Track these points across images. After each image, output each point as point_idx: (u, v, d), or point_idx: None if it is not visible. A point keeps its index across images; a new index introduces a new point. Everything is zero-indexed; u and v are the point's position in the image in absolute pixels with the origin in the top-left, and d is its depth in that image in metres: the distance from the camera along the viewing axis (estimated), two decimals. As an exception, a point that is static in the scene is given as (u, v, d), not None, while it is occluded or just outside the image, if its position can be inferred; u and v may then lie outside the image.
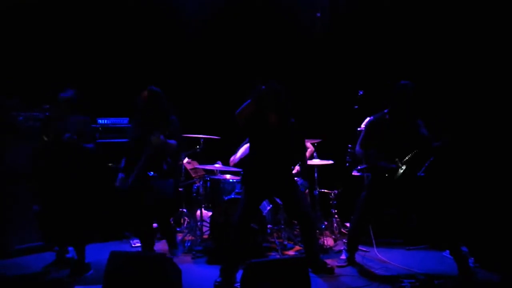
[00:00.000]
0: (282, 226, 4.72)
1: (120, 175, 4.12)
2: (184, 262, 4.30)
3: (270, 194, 4.38)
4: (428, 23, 5.26)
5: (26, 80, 4.88)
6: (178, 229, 5.31)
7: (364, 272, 4.00)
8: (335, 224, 5.10)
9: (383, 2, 5.61)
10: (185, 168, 5.41)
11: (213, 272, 3.85)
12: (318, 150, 5.19)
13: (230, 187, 5.04)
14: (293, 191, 3.93)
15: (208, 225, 4.74)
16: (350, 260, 4.18)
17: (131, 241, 4.84)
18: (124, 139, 5.11)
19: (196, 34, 6.15)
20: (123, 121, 5.22)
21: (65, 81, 5.11)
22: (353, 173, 4.85)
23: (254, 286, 2.95)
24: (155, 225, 5.17)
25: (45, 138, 3.88)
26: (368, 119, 4.30)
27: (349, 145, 4.75)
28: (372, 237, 4.48)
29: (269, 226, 4.58)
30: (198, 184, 5.06)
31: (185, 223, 5.40)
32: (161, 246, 4.86)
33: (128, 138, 4.46)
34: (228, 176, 5.16)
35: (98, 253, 4.37)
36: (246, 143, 5.01)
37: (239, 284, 3.15)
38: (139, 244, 4.80)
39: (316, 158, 5.07)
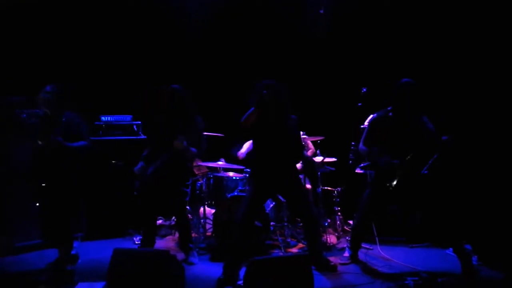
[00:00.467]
0: (285, 224, 4.72)
1: (141, 163, 4.16)
2: (187, 259, 4.31)
3: (274, 192, 4.38)
4: (433, 19, 5.24)
5: (29, 78, 4.88)
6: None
7: (367, 269, 4.00)
8: (338, 222, 5.10)
9: (386, -1, 5.60)
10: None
11: (216, 269, 3.86)
12: (322, 148, 5.18)
13: (233, 185, 5.04)
14: (297, 188, 3.93)
15: (211, 222, 4.75)
16: (353, 258, 4.18)
17: (134, 238, 4.85)
18: (127, 136, 5.13)
19: (198, 31, 6.13)
20: (126, 118, 5.22)
21: (68, 78, 5.15)
22: (356, 171, 4.84)
23: (257, 283, 2.96)
24: (159, 222, 5.21)
25: (39, 142, 3.89)
26: (371, 116, 4.29)
27: (353, 143, 4.74)
28: (375, 234, 4.47)
29: (272, 223, 4.59)
30: (201, 181, 5.07)
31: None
32: (164, 243, 4.88)
33: (149, 134, 4.50)
34: (231, 174, 5.16)
35: (101, 250, 4.39)
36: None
37: (242, 281, 3.15)
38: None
39: (320, 156, 5.06)
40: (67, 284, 3.64)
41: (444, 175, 4.46)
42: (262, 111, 3.70)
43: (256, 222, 4.16)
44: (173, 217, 5.16)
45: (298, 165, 4.77)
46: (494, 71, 4.66)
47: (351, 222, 5.11)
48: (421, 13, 5.32)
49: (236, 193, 4.73)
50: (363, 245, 4.32)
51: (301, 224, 4.63)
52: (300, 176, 4.17)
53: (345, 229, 5.16)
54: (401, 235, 4.73)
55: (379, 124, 3.91)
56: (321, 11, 5.99)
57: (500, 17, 4.65)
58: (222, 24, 6.13)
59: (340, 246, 4.70)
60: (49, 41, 5.40)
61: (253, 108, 3.67)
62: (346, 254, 4.26)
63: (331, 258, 4.12)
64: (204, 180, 5.01)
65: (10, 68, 5.01)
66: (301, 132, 4.46)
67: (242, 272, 3.35)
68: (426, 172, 4.09)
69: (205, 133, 5.04)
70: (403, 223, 4.73)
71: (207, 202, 5.08)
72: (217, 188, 5.09)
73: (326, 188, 5.17)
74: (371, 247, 4.52)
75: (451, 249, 4.11)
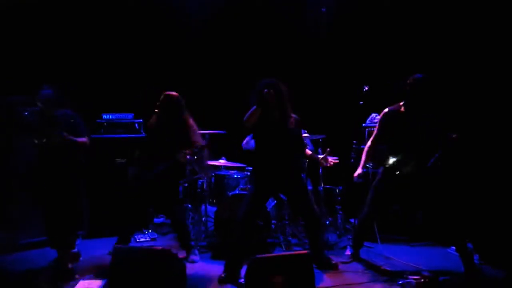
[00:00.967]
0: (287, 222, 4.72)
1: (135, 168, 4.29)
2: (189, 257, 4.31)
3: (276, 191, 4.38)
4: (433, 17, 5.22)
5: (31, 77, 4.89)
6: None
7: (368, 268, 3.99)
8: (340, 220, 5.09)
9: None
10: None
11: (217, 267, 3.86)
12: (323, 147, 5.17)
13: (234, 183, 5.05)
14: (298, 187, 3.93)
15: (212, 220, 4.75)
16: (355, 256, 4.18)
17: (135, 236, 4.85)
18: (129, 134, 5.13)
19: (198, 31, 6.14)
20: (128, 116, 5.22)
21: (70, 77, 5.16)
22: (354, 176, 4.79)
23: (258, 282, 2.96)
24: (160, 220, 5.21)
25: (36, 141, 3.89)
26: (375, 114, 4.26)
27: (354, 141, 4.73)
28: (377, 233, 4.47)
29: (273, 221, 4.58)
30: (202, 179, 5.07)
31: (190, 218, 5.40)
32: (166, 241, 4.88)
33: (147, 138, 4.51)
34: (232, 172, 5.15)
35: (103, 248, 4.40)
36: None
37: (243, 279, 3.15)
38: (144, 239, 4.84)
39: (321, 155, 5.04)
40: (68, 281, 3.64)
41: (447, 174, 4.44)
42: (264, 110, 3.70)
43: (257, 220, 4.15)
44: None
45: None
46: (494, 71, 4.64)
47: (352, 220, 5.10)
48: (421, 10, 5.31)
49: (237, 192, 4.73)
50: (364, 243, 4.31)
51: (303, 222, 4.63)
52: (302, 175, 4.16)
53: (347, 227, 5.15)
54: (403, 234, 4.73)
55: (391, 119, 3.85)
56: (323, 10, 5.98)
57: (501, 17, 4.63)
58: (222, 24, 6.13)
59: (341, 244, 4.70)
60: (50, 41, 5.39)
61: (254, 107, 3.67)
62: (348, 252, 4.25)
63: (333, 257, 4.12)
64: (206, 178, 5.01)
65: (10, 68, 5.00)
66: (303, 131, 4.45)
67: (243, 270, 3.35)
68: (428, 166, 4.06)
69: (207, 131, 5.06)
70: (405, 222, 4.72)
71: (209, 200, 5.08)
72: (219, 186, 5.10)
73: (327, 186, 5.17)
74: (372, 246, 4.51)
75: (453, 247, 4.11)
